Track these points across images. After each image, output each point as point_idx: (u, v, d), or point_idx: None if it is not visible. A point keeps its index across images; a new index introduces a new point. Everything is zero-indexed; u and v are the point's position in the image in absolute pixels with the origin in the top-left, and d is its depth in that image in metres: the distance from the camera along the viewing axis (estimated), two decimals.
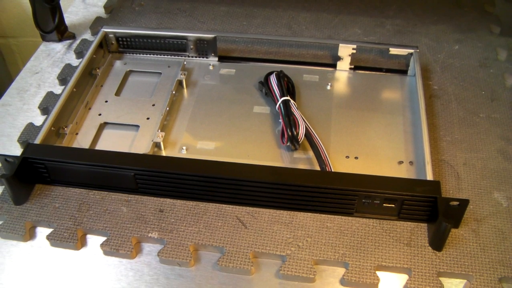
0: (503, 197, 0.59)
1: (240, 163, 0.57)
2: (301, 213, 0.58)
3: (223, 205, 0.58)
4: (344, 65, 0.74)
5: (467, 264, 0.53)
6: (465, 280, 0.53)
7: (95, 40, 0.75)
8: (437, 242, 0.54)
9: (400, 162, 0.62)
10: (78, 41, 0.83)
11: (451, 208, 0.54)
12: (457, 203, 0.54)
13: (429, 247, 0.55)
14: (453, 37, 0.80)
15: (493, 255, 0.54)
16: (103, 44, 0.77)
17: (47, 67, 0.79)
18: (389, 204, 0.56)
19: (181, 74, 0.72)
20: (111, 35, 0.77)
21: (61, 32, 0.83)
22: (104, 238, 0.56)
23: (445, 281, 0.53)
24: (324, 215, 0.57)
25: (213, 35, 0.74)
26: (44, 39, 0.84)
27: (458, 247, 0.55)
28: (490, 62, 0.75)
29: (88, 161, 0.59)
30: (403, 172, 0.61)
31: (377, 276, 0.53)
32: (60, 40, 0.83)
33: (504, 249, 0.55)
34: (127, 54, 0.78)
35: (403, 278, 0.53)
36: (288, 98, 0.65)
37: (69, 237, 0.56)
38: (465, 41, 0.79)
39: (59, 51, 0.82)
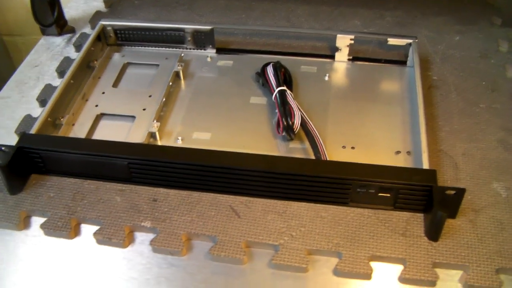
0: (502, 188, 0.58)
1: (232, 152, 0.57)
2: (296, 202, 0.57)
3: (217, 194, 0.58)
4: (342, 56, 0.73)
5: (464, 254, 0.52)
6: (461, 271, 0.52)
7: (93, 33, 0.76)
8: (433, 232, 0.53)
9: (398, 152, 0.62)
10: (77, 35, 0.83)
11: (447, 198, 0.53)
12: (453, 192, 0.53)
13: (425, 237, 0.54)
14: (454, 28, 0.79)
15: (490, 246, 0.53)
16: (102, 37, 0.77)
17: (46, 60, 0.80)
18: (385, 193, 0.55)
19: (178, 66, 0.72)
20: (109, 28, 0.77)
21: (61, 26, 0.84)
22: (97, 227, 0.56)
23: (441, 272, 0.52)
24: (318, 205, 0.57)
25: (210, 27, 0.74)
26: (44, 33, 0.84)
27: (455, 237, 0.54)
28: (491, 53, 0.74)
29: (82, 150, 0.58)
30: (400, 162, 0.60)
31: (371, 266, 0.52)
32: (59, 34, 0.84)
33: (502, 240, 0.53)
34: (126, 47, 0.78)
35: (397, 268, 0.52)
36: (285, 88, 0.65)
37: (63, 226, 0.56)
38: (466, 32, 0.78)
39: (58, 44, 0.82)
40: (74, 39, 0.82)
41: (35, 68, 0.79)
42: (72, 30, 0.84)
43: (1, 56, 1.21)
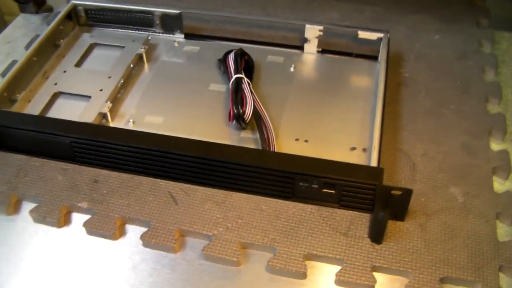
0: (460, 192, 0.55)
1: (174, 137, 0.55)
2: (236, 193, 0.54)
3: (158, 179, 0.56)
4: (311, 47, 0.70)
5: (407, 260, 0.49)
6: (403, 277, 0.49)
7: (62, 12, 0.74)
8: (375, 234, 0.50)
9: (353, 149, 0.59)
10: (53, 14, 0.82)
11: (394, 199, 0.50)
12: (399, 192, 0.50)
13: (368, 239, 0.51)
14: (434, 27, 0.75)
15: (437, 253, 0.50)
16: (73, 16, 0.76)
17: (20, 37, 0.79)
18: (329, 189, 0.52)
19: (141, 48, 0.70)
20: (80, 8, 0.76)
21: (39, 4, 0.83)
22: (35, 205, 0.55)
23: (381, 276, 0.49)
24: (260, 197, 0.54)
25: (178, 11, 0.72)
26: (22, 10, 0.83)
27: (401, 241, 0.51)
28: (470, 54, 0.70)
29: (28, 127, 0.57)
30: (353, 158, 0.57)
31: (305, 265, 0.49)
32: (37, 12, 0.83)
33: (451, 247, 0.50)
34: (96, 28, 0.77)
35: (334, 269, 0.49)
36: (242, 76, 0.62)
37: (2, 202, 0.55)
38: (446, 31, 0.74)
39: (34, 22, 0.82)
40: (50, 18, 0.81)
41: (7, 44, 0.78)
42: (50, 9, 0.84)
43: None
